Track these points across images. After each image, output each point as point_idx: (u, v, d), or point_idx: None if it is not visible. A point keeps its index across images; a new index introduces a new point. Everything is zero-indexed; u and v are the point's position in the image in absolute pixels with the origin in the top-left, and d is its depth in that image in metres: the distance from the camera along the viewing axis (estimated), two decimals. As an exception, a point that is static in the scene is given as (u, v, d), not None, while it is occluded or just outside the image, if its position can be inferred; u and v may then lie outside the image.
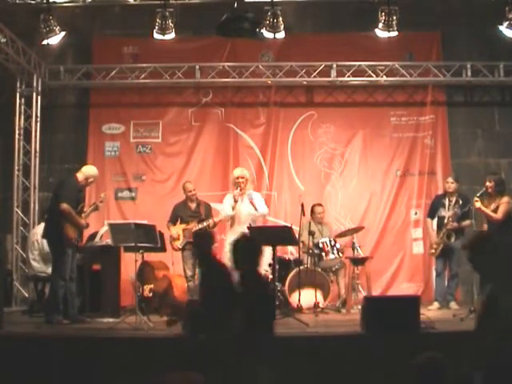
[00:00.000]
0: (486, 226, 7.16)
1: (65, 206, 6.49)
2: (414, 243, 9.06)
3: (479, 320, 3.74)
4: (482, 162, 9.24)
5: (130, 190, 9.35)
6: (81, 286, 7.11)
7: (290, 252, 8.56)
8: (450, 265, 7.77)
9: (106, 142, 9.42)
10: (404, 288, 8.90)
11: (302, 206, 7.42)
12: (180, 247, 7.58)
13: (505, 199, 6.97)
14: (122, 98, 9.47)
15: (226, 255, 7.00)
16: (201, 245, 5.12)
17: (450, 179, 7.86)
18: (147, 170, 9.39)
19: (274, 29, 7.75)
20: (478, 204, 6.95)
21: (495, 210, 6.96)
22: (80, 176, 6.84)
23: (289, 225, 7.40)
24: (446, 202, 7.72)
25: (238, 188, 7.03)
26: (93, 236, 7.97)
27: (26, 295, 8.46)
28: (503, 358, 3.17)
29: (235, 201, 6.96)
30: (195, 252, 5.42)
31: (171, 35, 7.91)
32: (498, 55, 8.97)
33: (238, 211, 7.00)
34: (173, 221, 7.88)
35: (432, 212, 7.92)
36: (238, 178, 7.08)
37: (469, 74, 9.00)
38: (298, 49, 9.18)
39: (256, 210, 7.35)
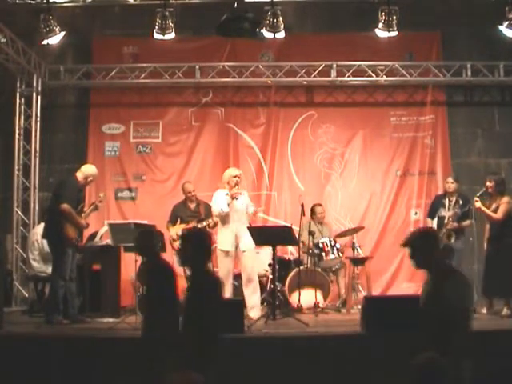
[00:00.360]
0: (488, 226, 7.16)
1: (65, 205, 6.49)
2: (414, 243, 9.03)
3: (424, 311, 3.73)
4: (482, 162, 9.24)
5: (130, 189, 9.35)
6: (81, 286, 7.11)
7: (290, 252, 8.55)
8: (450, 265, 7.77)
9: (106, 141, 9.42)
10: (404, 288, 8.89)
11: (302, 206, 7.41)
12: (180, 247, 7.56)
13: (505, 199, 6.96)
14: (122, 98, 9.47)
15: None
16: (146, 245, 5.07)
17: (450, 179, 7.85)
18: (147, 170, 9.39)
19: (273, 29, 7.74)
20: (478, 204, 6.94)
21: (496, 210, 6.95)
22: (79, 175, 6.84)
23: (289, 225, 7.38)
24: (446, 202, 7.71)
25: (237, 186, 7.01)
26: (93, 236, 7.97)
27: (26, 295, 8.45)
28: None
29: (234, 198, 6.92)
30: (140, 252, 5.34)
31: (171, 35, 7.91)
32: (498, 55, 8.98)
33: (233, 209, 6.97)
34: (172, 221, 7.88)
35: (432, 212, 7.90)
36: (235, 176, 7.06)
37: (469, 73, 9.01)
38: (298, 49, 9.18)
39: (251, 207, 7.29)
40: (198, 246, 4.10)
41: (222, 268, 6.91)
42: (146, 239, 5.12)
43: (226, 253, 6.87)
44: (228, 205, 6.84)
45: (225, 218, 6.94)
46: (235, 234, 6.88)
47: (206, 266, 4.20)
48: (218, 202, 6.95)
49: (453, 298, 3.48)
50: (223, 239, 6.93)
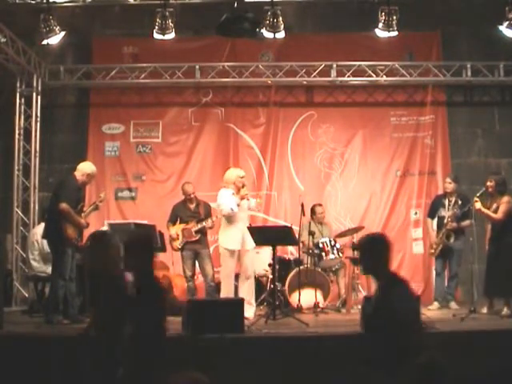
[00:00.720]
0: (489, 227, 7.16)
1: (64, 205, 6.48)
2: (414, 243, 9.06)
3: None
4: (482, 162, 9.25)
5: (130, 190, 9.35)
6: (81, 285, 7.10)
7: (290, 252, 8.56)
8: (450, 265, 7.77)
9: (106, 141, 9.42)
10: (404, 288, 8.87)
11: (302, 206, 7.41)
12: (179, 247, 7.57)
13: (505, 199, 6.94)
14: (121, 98, 9.47)
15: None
16: (97, 246, 5.04)
17: (448, 179, 7.86)
18: (147, 170, 9.39)
19: (273, 29, 7.74)
20: (478, 205, 6.91)
21: (496, 210, 6.93)
22: (78, 174, 6.82)
23: (289, 225, 7.39)
24: (446, 202, 7.72)
25: (245, 187, 7.01)
26: (93, 236, 7.96)
27: (26, 295, 8.44)
28: None
29: (245, 199, 6.92)
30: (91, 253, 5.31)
31: (171, 35, 7.91)
32: (498, 55, 8.98)
33: (241, 209, 6.96)
34: (172, 220, 7.86)
35: (432, 212, 7.91)
36: (242, 177, 7.07)
37: (469, 73, 9.01)
38: (298, 49, 9.18)
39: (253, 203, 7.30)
40: (144, 250, 4.04)
41: (225, 267, 6.89)
42: (97, 241, 5.08)
43: (232, 252, 6.84)
44: (238, 205, 6.84)
45: (232, 218, 6.90)
46: (242, 234, 6.88)
47: (153, 271, 4.13)
48: (226, 202, 6.88)
49: (403, 301, 3.50)
50: (230, 238, 6.88)
